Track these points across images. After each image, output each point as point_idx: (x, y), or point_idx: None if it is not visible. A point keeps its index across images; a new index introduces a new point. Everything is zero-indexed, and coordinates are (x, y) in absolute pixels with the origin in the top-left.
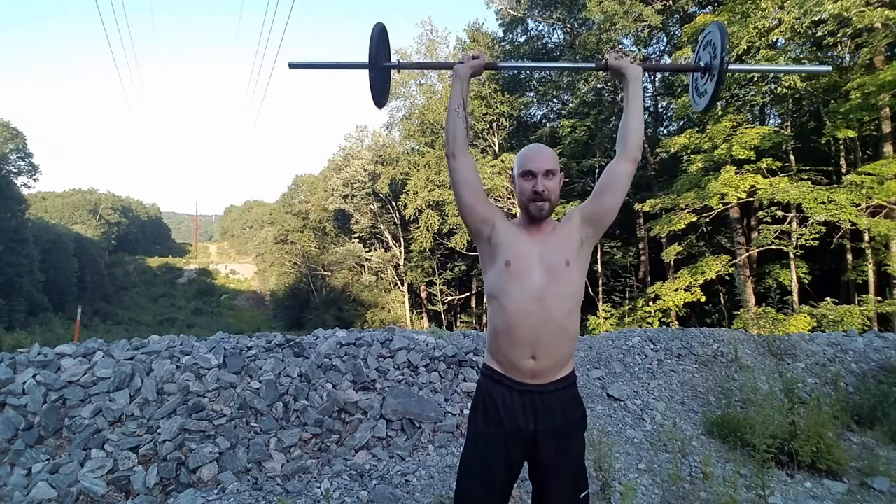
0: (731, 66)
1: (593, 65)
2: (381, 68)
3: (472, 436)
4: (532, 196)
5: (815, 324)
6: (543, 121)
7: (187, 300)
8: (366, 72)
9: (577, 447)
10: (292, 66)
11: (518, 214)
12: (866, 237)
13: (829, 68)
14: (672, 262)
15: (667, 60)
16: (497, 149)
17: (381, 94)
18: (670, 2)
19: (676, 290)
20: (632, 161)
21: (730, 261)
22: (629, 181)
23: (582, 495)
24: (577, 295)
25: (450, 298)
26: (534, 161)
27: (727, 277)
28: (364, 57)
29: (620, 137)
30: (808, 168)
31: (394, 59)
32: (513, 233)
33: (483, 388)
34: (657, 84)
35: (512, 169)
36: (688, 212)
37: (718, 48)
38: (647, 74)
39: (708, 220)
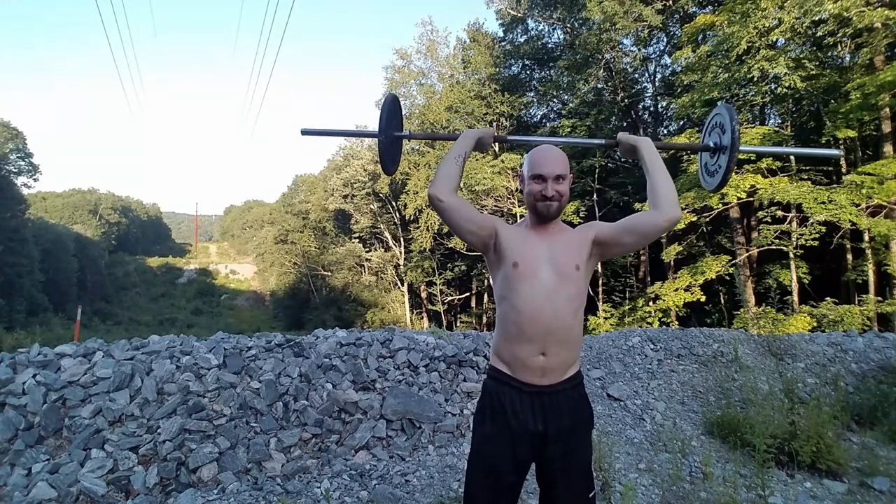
0: (742, 147)
1: (603, 141)
2: (391, 137)
3: (478, 439)
4: (541, 198)
5: (815, 324)
6: (543, 121)
7: (187, 300)
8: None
9: (584, 447)
10: (305, 132)
11: (524, 215)
12: (866, 237)
13: (840, 153)
14: (672, 262)
15: (666, 60)
16: (497, 149)
17: (390, 162)
18: (670, 2)
19: (676, 289)
20: (667, 221)
21: (730, 261)
22: (657, 237)
23: (591, 494)
24: (582, 297)
25: (450, 298)
26: (544, 165)
27: (727, 277)
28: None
29: (651, 202)
30: (808, 168)
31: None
32: (518, 235)
33: (490, 390)
34: (657, 84)
35: (519, 168)
36: (688, 212)
37: (728, 128)
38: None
39: (708, 219)
